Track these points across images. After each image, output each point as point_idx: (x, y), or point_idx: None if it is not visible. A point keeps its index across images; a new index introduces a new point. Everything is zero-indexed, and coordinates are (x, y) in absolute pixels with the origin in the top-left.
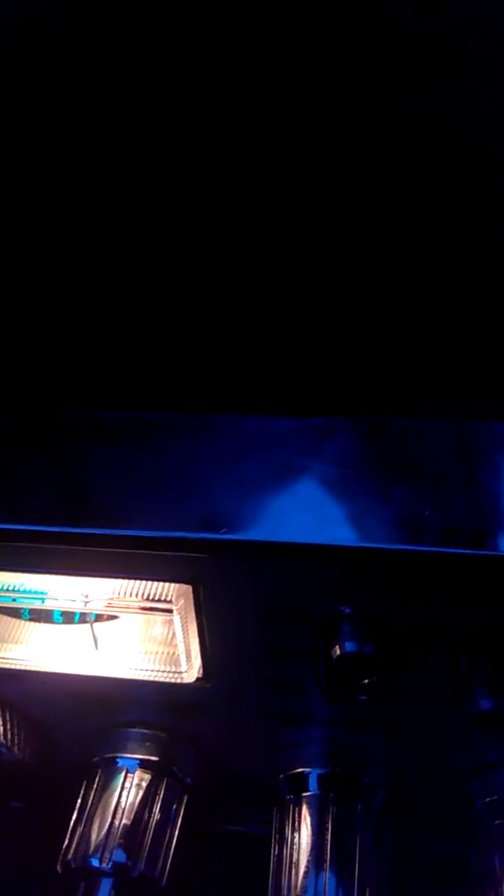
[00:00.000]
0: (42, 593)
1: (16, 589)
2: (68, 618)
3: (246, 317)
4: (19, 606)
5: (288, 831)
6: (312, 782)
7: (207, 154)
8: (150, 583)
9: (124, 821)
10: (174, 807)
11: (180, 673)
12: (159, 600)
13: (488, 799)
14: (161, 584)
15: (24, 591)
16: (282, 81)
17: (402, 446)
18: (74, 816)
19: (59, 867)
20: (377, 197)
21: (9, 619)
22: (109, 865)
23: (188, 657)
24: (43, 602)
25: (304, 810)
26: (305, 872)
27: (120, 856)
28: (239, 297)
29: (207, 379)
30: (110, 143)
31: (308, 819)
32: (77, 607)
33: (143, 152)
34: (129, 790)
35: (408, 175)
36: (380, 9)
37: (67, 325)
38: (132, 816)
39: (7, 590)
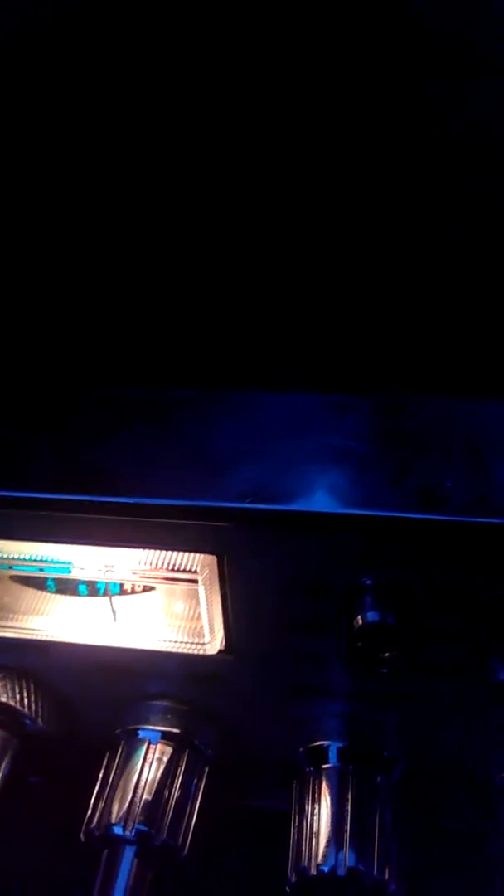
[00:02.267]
0: (68, 563)
1: (42, 559)
2: (93, 590)
3: (269, 296)
4: (45, 576)
5: (308, 803)
6: (332, 755)
7: (212, 141)
8: (175, 553)
9: (147, 791)
10: (195, 778)
11: (203, 644)
12: (184, 570)
13: None
14: (186, 554)
15: (50, 562)
16: (290, 74)
17: (423, 423)
18: (98, 786)
19: (82, 835)
20: (393, 181)
21: (35, 591)
22: (133, 833)
23: (211, 629)
24: (69, 572)
25: (324, 782)
26: (326, 843)
27: (143, 824)
28: (261, 277)
29: (230, 356)
30: (113, 137)
31: (328, 791)
32: (103, 577)
33: (150, 147)
34: (151, 762)
35: (418, 164)
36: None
37: (92, 305)
38: (154, 787)
39: (34, 560)
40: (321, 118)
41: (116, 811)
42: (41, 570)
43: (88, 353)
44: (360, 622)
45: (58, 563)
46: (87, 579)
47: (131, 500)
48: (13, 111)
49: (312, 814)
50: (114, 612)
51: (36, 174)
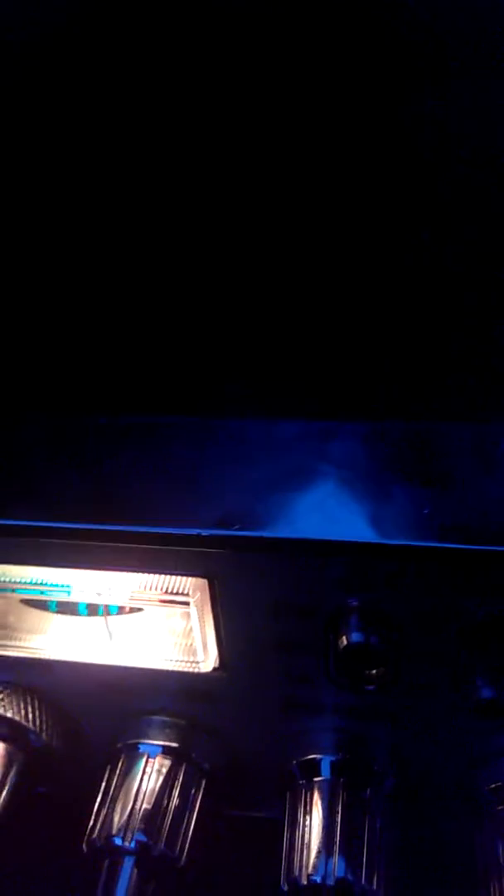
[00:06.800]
0: (68, 587)
1: (44, 582)
2: (93, 610)
3: (255, 326)
4: (47, 599)
5: (300, 814)
6: (324, 768)
7: (209, 157)
8: (168, 577)
9: (146, 803)
10: (193, 790)
11: (197, 663)
12: (177, 593)
13: (493, 785)
14: (179, 577)
15: (52, 585)
16: (285, 77)
17: (404, 448)
18: (98, 799)
19: (83, 846)
20: (381, 198)
21: (37, 611)
22: (132, 844)
23: (205, 648)
24: (69, 595)
25: (316, 794)
26: (317, 853)
27: (142, 835)
28: (247, 307)
29: (219, 385)
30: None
31: (319, 803)
32: (101, 600)
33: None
34: (150, 774)
35: (416, 176)
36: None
37: (92, 338)
38: (153, 799)
39: (36, 583)
40: (313, 147)
41: (116, 822)
42: (42, 592)
43: (85, 381)
44: (345, 642)
45: (58, 586)
46: (86, 601)
47: (128, 529)
48: (12, 116)
49: (304, 825)
50: (109, 633)
51: (34, 197)
